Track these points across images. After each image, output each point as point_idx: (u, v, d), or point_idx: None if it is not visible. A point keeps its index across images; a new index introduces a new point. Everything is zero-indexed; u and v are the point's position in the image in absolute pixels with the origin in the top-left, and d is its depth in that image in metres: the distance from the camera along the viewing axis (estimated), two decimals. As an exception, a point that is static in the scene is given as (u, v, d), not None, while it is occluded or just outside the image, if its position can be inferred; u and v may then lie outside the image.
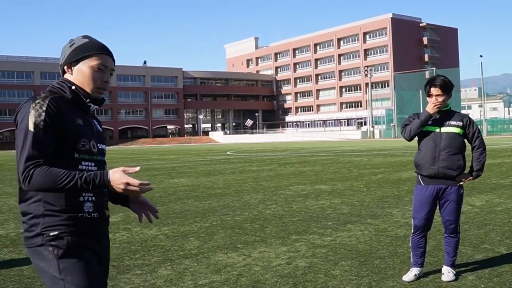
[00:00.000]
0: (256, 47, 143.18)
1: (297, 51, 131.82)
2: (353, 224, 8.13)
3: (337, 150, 38.15)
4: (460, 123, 4.95)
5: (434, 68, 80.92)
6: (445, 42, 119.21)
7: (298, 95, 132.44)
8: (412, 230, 5.16)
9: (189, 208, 10.18)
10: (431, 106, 4.91)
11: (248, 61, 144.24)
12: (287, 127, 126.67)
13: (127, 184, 2.35)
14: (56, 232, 2.41)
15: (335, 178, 15.75)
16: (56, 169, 2.36)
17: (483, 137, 5.12)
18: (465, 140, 5.05)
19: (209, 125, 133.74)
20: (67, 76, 2.63)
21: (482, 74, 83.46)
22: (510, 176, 14.64)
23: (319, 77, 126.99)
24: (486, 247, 6.31)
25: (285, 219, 8.80)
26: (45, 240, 2.40)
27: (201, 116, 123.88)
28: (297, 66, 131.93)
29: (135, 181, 2.35)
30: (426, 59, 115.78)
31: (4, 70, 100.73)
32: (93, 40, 2.66)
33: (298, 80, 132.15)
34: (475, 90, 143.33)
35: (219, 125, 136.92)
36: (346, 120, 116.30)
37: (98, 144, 2.64)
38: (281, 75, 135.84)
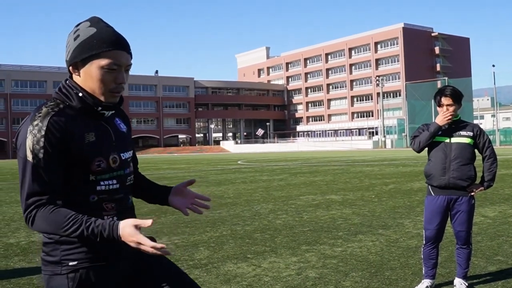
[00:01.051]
0: (268, 57, 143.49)
1: (308, 61, 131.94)
2: (364, 234, 8.07)
3: (348, 160, 38.02)
4: (471, 133, 4.91)
5: (446, 78, 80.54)
6: (457, 51, 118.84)
7: (309, 104, 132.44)
8: (424, 241, 5.10)
9: (199, 217, 10.16)
10: (441, 117, 4.86)
11: (259, 70, 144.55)
12: (298, 136, 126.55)
13: (138, 243, 1.99)
14: (75, 263, 2.13)
15: (346, 188, 15.68)
16: (63, 212, 2.04)
17: (495, 147, 5.07)
18: (476, 150, 5.00)
19: (220, 134, 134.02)
20: (75, 78, 2.20)
21: (494, 83, 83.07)
22: (523, 186, 14.48)
23: (330, 87, 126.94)
24: (500, 259, 6.22)
25: (295, 229, 8.76)
26: (64, 270, 2.14)
27: (212, 126, 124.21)
28: (308, 75, 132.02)
29: (147, 243, 1.98)
30: (438, 68, 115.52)
31: (17, 80, 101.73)
32: (102, 29, 2.16)
33: (309, 90, 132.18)
34: (488, 99, 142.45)
35: (230, 134, 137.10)
36: (357, 130, 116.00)
37: (121, 155, 2.27)
38: (292, 85, 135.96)
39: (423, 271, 5.14)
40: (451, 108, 4.84)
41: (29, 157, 2.04)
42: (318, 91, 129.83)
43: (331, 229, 8.66)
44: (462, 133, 4.89)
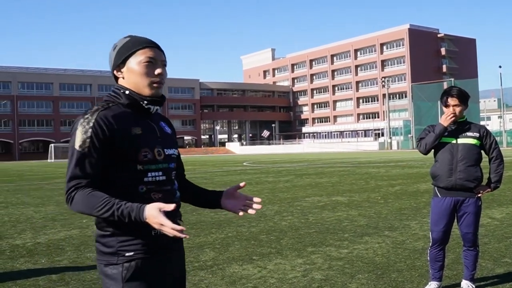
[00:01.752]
0: (273, 58, 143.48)
1: (314, 62, 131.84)
2: (370, 236, 8.04)
3: (354, 162, 37.96)
4: (477, 134, 4.87)
5: (453, 79, 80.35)
6: (463, 52, 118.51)
7: (315, 106, 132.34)
8: (430, 243, 5.07)
9: (205, 219, 10.15)
10: (444, 118, 4.83)
11: (265, 72, 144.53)
12: (304, 138, 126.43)
13: (161, 225, 2.16)
14: (131, 253, 2.33)
15: (352, 190, 15.64)
16: (98, 194, 2.23)
17: (502, 148, 5.04)
18: (482, 152, 4.97)
19: (226, 136, 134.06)
20: (120, 81, 2.48)
21: (501, 84, 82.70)
22: (530, 188, 14.41)
23: (336, 88, 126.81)
24: (507, 261, 6.18)
25: (301, 230, 8.73)
26: (120, 260, 2.33)
27: (217, 127, 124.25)
28: (314, 77, 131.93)
29: (169, 224, 2.14)
30: (444, 69, 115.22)
31: (23, 82, 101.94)
32: (135, 37, 2.49)
33: (315, 91, 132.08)
34: (495, 101, 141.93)
35: (235, 136, 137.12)
36: (363, 131, 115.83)
37: (165, 150, 2.46)
38: (297, 86, 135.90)
39: (430, 273, 5.10)
40: (457, 109, 4.81)
41: (76, 145, 2.28)
42: (323, 92, 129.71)
43: (337, 230, 8.63)
44: (469, 134, 4.86)
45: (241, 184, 2.60)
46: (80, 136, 2.28)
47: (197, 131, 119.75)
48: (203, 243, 7.88)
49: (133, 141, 2.34)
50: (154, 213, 2.16)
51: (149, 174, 2.37)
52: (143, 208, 2.18)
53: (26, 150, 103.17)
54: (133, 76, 2.42)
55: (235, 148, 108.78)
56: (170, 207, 2.17)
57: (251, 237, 8.28)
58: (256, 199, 2.60)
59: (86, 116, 2.31)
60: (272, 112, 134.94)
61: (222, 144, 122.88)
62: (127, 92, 2.42)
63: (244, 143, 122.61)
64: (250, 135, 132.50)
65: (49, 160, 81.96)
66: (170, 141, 2.55)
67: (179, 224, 2.38)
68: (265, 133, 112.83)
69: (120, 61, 2.44)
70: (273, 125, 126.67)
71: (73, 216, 11.48)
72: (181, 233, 2.15)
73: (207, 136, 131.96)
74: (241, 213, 2.56)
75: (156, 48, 2.47)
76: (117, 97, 2.44)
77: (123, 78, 2.46)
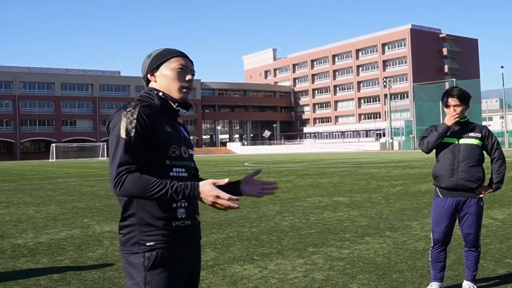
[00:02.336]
0: (274, 58, 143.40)
1: (315, 62, 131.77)
2: (371, 236, 8.03)
3: (356, 162, 37.94)
4: (479, 135, 4.87)
5: (454, 79, 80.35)
6: (465, 52, 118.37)
7: (316, 106, 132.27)
8: (432, 244, 5.06)
9: (206, 219, 10.15)
10: (448, 117, 4.83)
11: (266, 72, 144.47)
12: (305, 138, 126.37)
13: (217, 197, 2.39)
14: (152, 243, 2.49)
15: (353, 190, 15.63)
16: (148, 177, 2.40)
17: (504, 149, 5.03)
18: (484, 152, 4.96)
19: (227, 136, 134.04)
20: (152, 84, 2.71)
21: (503, 85, 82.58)
22: (532, 188, 14.38)
23: (337, 88, 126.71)
24: (509, 262, 6.17)
25: (302, 231, 8.73)
26: (141, 249, 2.48)
27: (219, 127, 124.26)
28: (315, 77, 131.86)
29: (225, 195, 2.38)
30: (446, 70, 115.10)
31: (25, 82, 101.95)
32: (168, 48, 2.75)
33: (316, 91, 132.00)
34: (497, 101, 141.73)
35: (237, 136, 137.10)
36: (364, 132, 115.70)
37: (189, 150, 2.71)
38: (299, 86, 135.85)
39: (431, 274, 5.10)
40: (458, 109, 4.81)
41: (123, 134, 2.45)
42: (325, 92, 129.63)
43: (338, 231, 8.62)
44: (471, 134, 4.86)
45: (257, 171, 2.79)
46: (125, 125, 2.45)
47: (199, 131, 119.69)
48: (204, 243, 7.86)
49: (165, 137, 2.55)
50: (209, 188, 2.39)
51: (174, 170, 2.57)
52: (197, 184, 2.41)
53: (28, 150, 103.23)
54: (166, 80, 2.67)
55: (236, 148, 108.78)
56: (223, 181, 2.45)
57: (252, 237, 8.27)
58: (271, 182, 2.83)
59: (129, 109, 2.50)
60: (274, 112, 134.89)
61: (223, 144, 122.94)
62: (160, 93, 2.65)
63: (246, 143, 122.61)
64: (251, 135, 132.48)
65: (50, 160, 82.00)
66: (190, 143, 2.79)
67: (199, 220, 2.74)
68: (266, 133, 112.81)
69: (154, 66, 2.68)
70: (274, 125, 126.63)
71: (74, 215, 11.49)
72: (235, 203, 2.39)
73: (208, 136, 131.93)
74: (262, 195, 2.77)
75: (187, 58, 2.74)
76: (150, 97, 2.65)
77: (156, 81, 2.69)
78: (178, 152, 2.59)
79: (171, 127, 2.63)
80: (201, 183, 2.42)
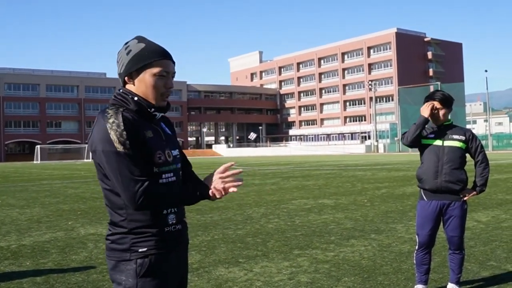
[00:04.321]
0: (260, 61, 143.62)
1: (301, 65, 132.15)
2: (356, 239, 8.04)
3: (341, 164, 38.04)
4: (463, 137, 4.90)
5: (439, 83, 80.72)
6: (449, 56, 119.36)
7: (302, 108, 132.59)
8: (416, 247, 5.07)
9: (191, 221, 10.11)
10: (424, 107, 4.85)
11: (252, 74, 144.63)
12: (291, 140, 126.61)
13: (220, 177, 2.41)
14: (145, 249, 2.41)
15: (338, 193, 15.66)
16: (163, 186, 2.40)
17: (488, 152, 5.06)
18: (467, 155, 4.99)
19: (213, 138, 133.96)
20: (129, 86, 2.51)
21: (487, 88, 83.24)
22: (515, 191, 14.50)
23: (323, 91, 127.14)
24: (493, 264, 6.21)
25: (287, 233, 8.72)
26: (133, 256, 2.40)
27: (204, 129, 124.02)
28: (301, 80, 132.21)
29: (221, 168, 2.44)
30: (431, 73, 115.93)
31: (10, 83, 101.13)
32: (150, 44, 2.51)
33: (302, 94, 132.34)
34: (480, 104, 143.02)
35: (222, 138, 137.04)
36: (350, 134, 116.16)
37: (172, 151, 2.55)
38: (285, 89, 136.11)
39: (416, 277, 5.11)
40: (441, 112, 4.83)
41: (120, 148, 2.30)
42: (310, 95, 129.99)
43: (323, 233, 8.63)
44: (455, 137, 4.88)
45: (228, 165, 2.46)
46: (116, 139, 2.30)
47: (184, 133, 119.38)
48: (189, 245, 7.82)
49: (149, 143, 2.41)
50: (214, 177, 2.42)
51: (163, 176, 2.46)
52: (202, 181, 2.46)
53: (12, 152, 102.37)
54: (145, 87, 2.47)
55: (222, 150, 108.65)
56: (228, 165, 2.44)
57: (237, 239, 8.25)
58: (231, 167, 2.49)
59: (111, 121, 2.33)
60: (259, 115, 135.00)
61: (209, 146, 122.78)
62: (135, 98, 2.46)
63: (231, 145, 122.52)
64: (237, 137, 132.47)
65: (35, 162, 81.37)
66: (173, 142, 2.62)
67: (186, 224, 2.69)
68: (252, 136, 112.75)
69: (134, 70, 2.46)
70: (260, 127, 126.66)
71: (58, 218, 11.40)
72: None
73: (194, 138, 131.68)
74: (212, 198, 2.44)
75: (169, 60, 2.52)
76: (125, 102, 2.46)
77: (134, 85, 2.49)
78: (163, 157, 2.45)
79: (152, 130, 2.47)
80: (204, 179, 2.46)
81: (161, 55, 2.48)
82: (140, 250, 2.40)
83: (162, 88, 2.48)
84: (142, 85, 2.47)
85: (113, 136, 2.30)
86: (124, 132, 2.31)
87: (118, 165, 2.31)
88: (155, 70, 2.45)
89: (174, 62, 2.57)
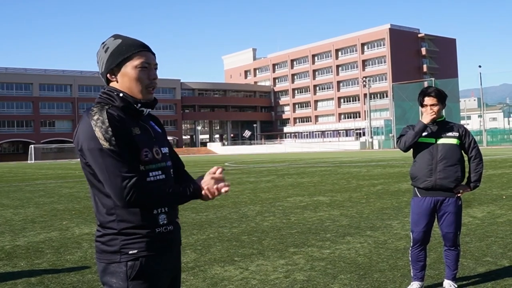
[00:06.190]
0: (254, 58, 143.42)
1: (295, 62, 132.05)
2: (352, 236, 8.03)
3: (336, 161, 38.07)
4: (456, 134, 4.89)
5: (433, 79, 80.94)
6: (443, 52, 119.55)
7: (296, 106, 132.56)
8: (411, 244, 5.07)
9: (186, 220, 10.08)
10: (425, 115, 4.85)
11: (246, 72, 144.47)
12: (285, 138, 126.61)
13: (212, 178, 2.41)
14: (135, 251, 2.36)
15: (333, 190, 15.66)
16: (152, 184, 2.37)
17: (482, 147, 5.06)
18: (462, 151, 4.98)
19: (207, 136, 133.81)
20: (113, 84, 2.48)
21: (481, 84, 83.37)
22: (511, 187, 14.55)
23: (317, 88, 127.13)
24: (488, 260, 6.21)
25: (283, 231, 8.71)
26: (124, 258, 2.36)
27: (199, 127, 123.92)
28: (295, 77, 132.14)
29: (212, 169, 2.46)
30: (425, 69, 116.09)
31: (3, 82, 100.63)
32: (127, 38, 2.48)
33: (296, 91, 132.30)
34: (475, 100, 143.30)
35: (217, 136, 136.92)
36: (344, 131, 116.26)
37: (162, 149, 2.51)
38: (279, 86, 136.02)
39: (412, 273, 5.10)
40: (435, 108, 4.82)
41: (105, 145, 2.26)
42: (305, 92, 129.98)
43: (319, 231, 8.61)
44: (449, 134, 4.87)
45: (214, 170, 2.48)
46: (102, 136, 2.26)
47: (178, 131, 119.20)
48: (184, 244, 7.80)
49: (136, 140, 2.37)
50: (205, 178, 2.42)
51: (151, 174, 2.41)
52: (195, 181, 2.44)
53: (6, 152, 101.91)
54: (128, 81, 2.43)
55: (217, 148, 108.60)
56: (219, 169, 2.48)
57: (233, 238, 8.23)
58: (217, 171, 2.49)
59: (96, 118, 2.30)
60: (254, 112, 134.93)
61: (204, 144, 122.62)
62: (121, 94, 2.42)
63: (226, 143, 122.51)
64: (232, 135, 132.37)
65: (29, 161, 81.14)
66: (162, 139, 2.58)
67: (179, 224, 2.63)
68: (247, 133, 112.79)
69: (114, 65, 2.43)
70: (254, 125, 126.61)
71: (53, 218, 11.35)
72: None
73: (189, 137, 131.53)
74: (209, 195, 2.44)
75: (149, 52, 2.49)
76: (110, 99, 2.43)
77: (117, 82, 2.46)
78: (150, 155, 2.40)
79: (139, 127, 2.43)
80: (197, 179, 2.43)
81: (139, 47, 2.46)
82: (130, 252, 2.36)
83: (146, 80, 2.45)
84: (126, 80, 2.44)
85: (98, 133, 2.27)
86: (110, 129, 2.27)
87: (104, 162, 2.27)
88: (136, 62, 2.43)
89: (154, 54, 2.53)
